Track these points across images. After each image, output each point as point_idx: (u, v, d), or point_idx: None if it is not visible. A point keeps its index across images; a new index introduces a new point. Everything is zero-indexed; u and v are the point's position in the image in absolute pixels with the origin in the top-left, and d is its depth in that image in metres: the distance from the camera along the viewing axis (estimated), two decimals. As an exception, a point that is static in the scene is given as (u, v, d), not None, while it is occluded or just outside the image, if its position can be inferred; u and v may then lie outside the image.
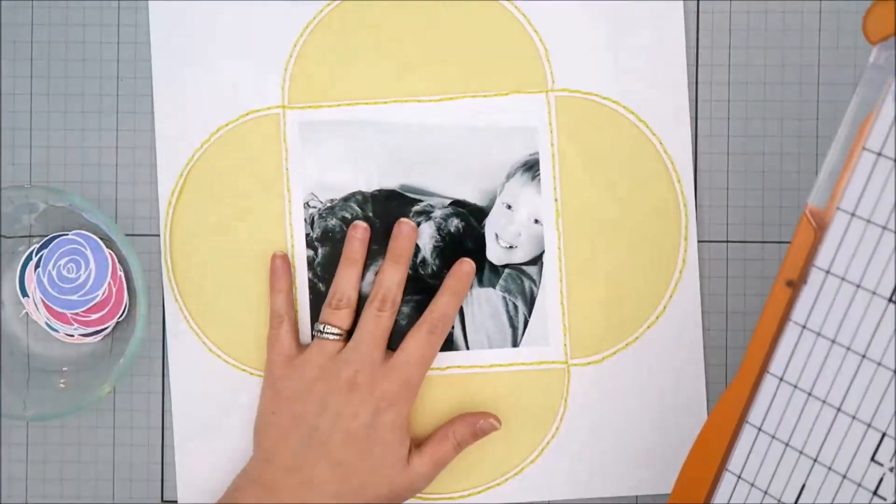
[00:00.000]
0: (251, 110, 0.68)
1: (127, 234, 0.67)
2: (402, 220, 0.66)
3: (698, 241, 0.67)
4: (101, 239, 0.65)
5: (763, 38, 0.67)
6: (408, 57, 0.67)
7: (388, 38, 0.68)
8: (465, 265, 0.66)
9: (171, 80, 0.68)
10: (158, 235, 0.68)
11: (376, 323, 0.64)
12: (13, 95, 0.68)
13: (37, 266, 0.65)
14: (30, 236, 0.67)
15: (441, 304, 0.65)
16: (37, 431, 0.68)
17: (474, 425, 0.65)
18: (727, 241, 0.67)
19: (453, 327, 0.67)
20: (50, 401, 0.65)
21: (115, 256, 0.66)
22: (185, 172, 0.67)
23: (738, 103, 0.67)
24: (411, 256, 0.66)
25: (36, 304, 0.66)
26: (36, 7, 0.68)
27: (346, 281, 0.65)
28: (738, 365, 0.67)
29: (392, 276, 0.65)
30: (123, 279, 0.66)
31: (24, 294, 0.66)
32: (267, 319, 0.66)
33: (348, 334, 0.65)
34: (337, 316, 0.64)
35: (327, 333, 0.64)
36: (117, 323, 0.67)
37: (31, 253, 0.66)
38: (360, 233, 0.66)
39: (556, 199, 0.67)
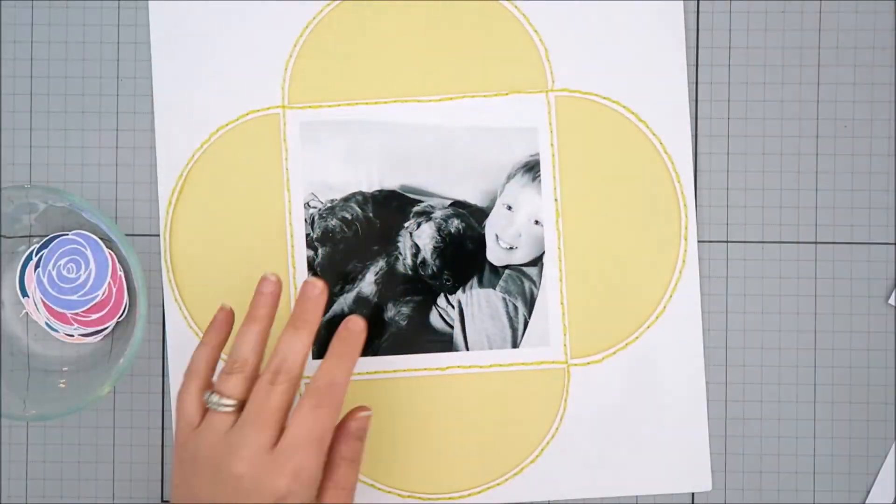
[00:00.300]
0: (251, 110, 0.68)
1: (127, 234, 0.67)
2: (309, 280, 0.57)
3: (698, 241, 0.67)
4: (101, 239, 0.65)
5: (763, 39, 0.67)
6: (408, 57, 0.67)
7: (388, 38, 0.68)
8: (352, 324, 0.57)
9: (171, 79, 0.68)
10: (158, 235, 0.68)
11: (266, 399, 0.54)
12: (13, 95, 0.68)
13: (37, 266, 0.65)
14: (30, 236, 0.67)
15: (324, 371, 0.55)
16: (37, 431, 0.68)
17: (350, 433, 0.58)
18: (727, 241, 0.67)
19: (453, 328, 0.67)
20: (50, 401, 0.65)
21: (115, 256, 0.66)
22: (184, 172, 0.67)
23: (738, 103, 0.67)
24: (319, 321, 0.57)
25: (36, 304, 0.66)
26: (36, 7, 0.68)
27: (245, 342, 0.56)
28: (738, 365, 0.67)
29: (291, 344, 0.55)
30: (123, 279, 0.66)
31: (24, 294, 0.66)
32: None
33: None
34: (230, 383, 0.55)
35: (217, 404, 0.55)
36: (117, 323, 0.67)
37: (31, 253, 0.66)
38: (268, 287, 0.57)
39: (556, 200, 0.67)
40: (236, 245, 0.67)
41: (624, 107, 0.67)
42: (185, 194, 0.67)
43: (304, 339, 0.56)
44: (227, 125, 0.68)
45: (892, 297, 0.67)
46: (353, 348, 0.57)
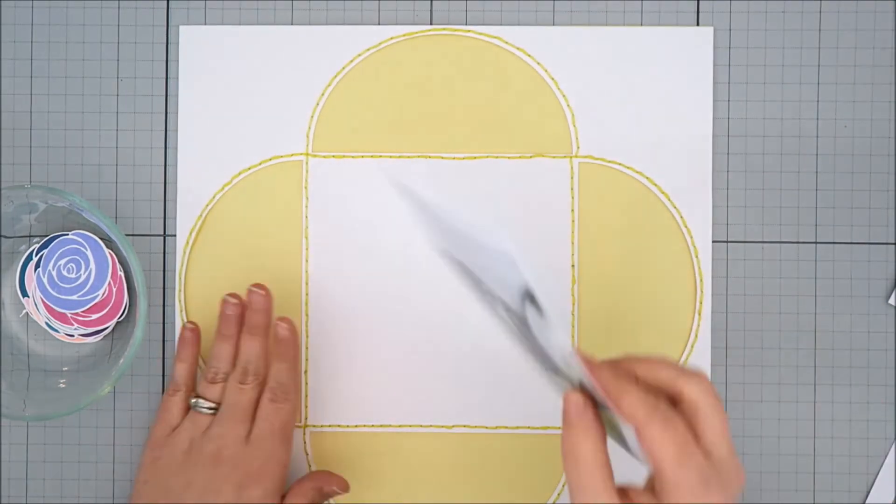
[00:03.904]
0: (275, 155, 0.67)
1: (127, 234, 0.67)
2: (252, 289, 0.65)
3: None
4: (101, 239, 0.65)
5: (763, 39, 0.67)
6: (435, 112, 0.67)
7: (416, 93, 0.67)
8: (280, 329, 0.64)
9: (197, 118, 0.67)
10: (159, 236, 0.68)
11: (238, 396, 0.62)
12: (13, 95, 0.68)
13: (37, 266, 0.65)
14: (30, 236, 0.67)
15: (273, 373, 0.64)
16: (37, 431, 0.68)
17: (321, 487, 0.64)
18: (727, 242, 0.67)
19: None
20: (50, 401, 0.65)
21: (115, 256, 0.66)
22: (204, 213, 0.67)
23: (738, 103, 0.67)
24: (269, 322, 0.64)
25: (36, 304, 0.66)
26: (36, 7, 0.68)
27: (220, 358, 0.64)
28: (738, 365, 0.67)
29: (250, 349, 0.64)
30: (123, 279, 0.66)
31: (24, 294, 0.66)
32: None
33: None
34: (211, 390, 0.63)
35: (201, 407, 0.63)
36: (117, 323, 0.67)
37: (31, 253, 0.66)
38: (230, 309, 0.65)
39: (573, 266, 0.67)
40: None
41: (646, 177, 0.67)
42: (203, 234, 0.67)
43: (260, 342, 0.64)
44: (249, 168, 0.67)
45: (892, 297, 0.67)
46: (290, 349, 0.64)
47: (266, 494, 0.61)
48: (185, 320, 0.67)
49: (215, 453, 0.61)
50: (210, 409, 0.63)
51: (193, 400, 0.63)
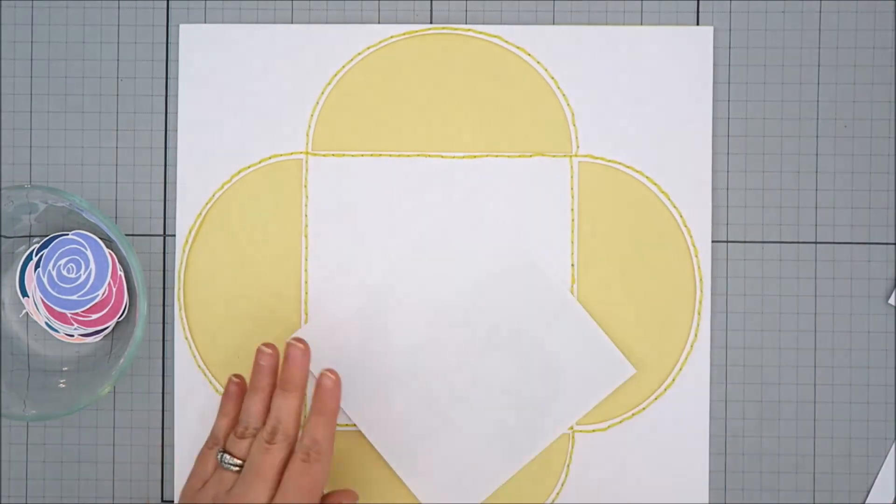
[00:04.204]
0: (275, 154, 0.67)
1: (127, 234, 0.67)
2: (292, 343, 0.62)
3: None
4: (101, 239, 0.65)
5: (763, 38, 0.67)
6: (434, 111, 0.67)
7: (416, 92, 0.67)
8: (325, 379, 0.61)
9: (197, 117, 0.67)
10: (159, 236, 0.68)
11: (263, 457, 0.59)
12: (13, 95, 0.68)
13: (37, 266, 0.65)
14: (30, 236, 0.67)
15: (308, 429, 0.61)
16: (37, 431, 0.68)
17: None
18: (727, 242, 0.67)
19: None
20: (50, 401, 0.65)
21: (115, 256, 0.66)
22: (203, 212, 0.67)
23: (738, 103, 0.67)
24: (306, 380, 0.62)
25: (36, 304, 0.66)
26: (36, 7, 0.68)
27: (251, 412, 0.61)
28: (738, 365, 0.67)
29: (283, 407, 0.60)
30: (123, 279, 0.66)
31: (24, 294, 0.66)
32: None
33: None
34: (239, 446, 0.60)
35: (227, 463, 0.60)
36: (117, 323, 0.67)
37: (31, 253, 0.66)
38: (265, 360, 0.62)
39: (572, 265, 0.67)
40: (251, 287, 0.67)
41: (646, 177, 0.67)
42: (203, 234, 0.67)
43: (294, 400, 0.61)
44: (249, 167, 0.67)
45: (892, 297, 0.67)
46: (331, 403, 0.61)
47: None
48: (187, 329, 0.67)
49: None
50: (236, 466, 0.60)
51: (220, 455, 0.61)
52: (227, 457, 0.60)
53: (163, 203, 0.68)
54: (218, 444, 0.62)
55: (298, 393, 0.61)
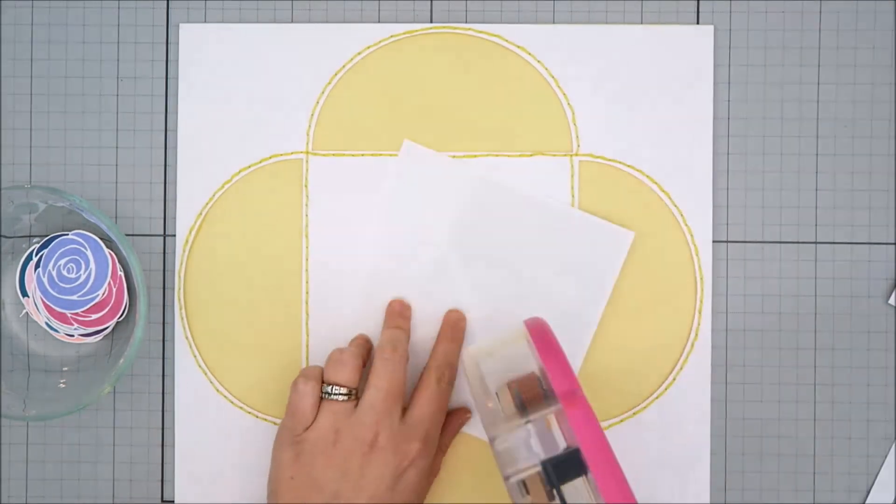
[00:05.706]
0: (275, 154, 0.67)
1: (127, 234, 0.67)
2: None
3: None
4: (101, 239, 0.65)
5: (763, 38, 0.67)
6: (434, 111, 0.67)
7: (416, 91, 0.67)
8: (454, 314, 0.66)
9: (197, 117, 0.67)
10: (159, 236, 0.68)
11: (392, 375, 0.61)
12: (13, 95, 0.68)
13: (37, 266, 0.65)
14: (30, 236, 0.67)
15: (441, 353, 0.64)
16: (37, 431, 0.68)
17: (452, 429, 0.66)
18: (727, 241, 0.67)
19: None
20: (50, 401, 0.65)
21: (115, 256, 0.66)
22: (203, 211, 0.67)
23: (737, 103, 0.67)
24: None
25: (36, 304, 0.66)
26: (36, 7, 0.68)
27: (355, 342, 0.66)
28: (738, 365, 0.67)
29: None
30: (123, 279, 0.66)
31: (24, 294, 0.66)
32: (278, 367, 0.66)
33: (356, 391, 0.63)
34: (341, 373, 0.62)
35: (336, 394, 0.61)
36: (117, 323, 0.67)
37: (31, 253, 0.66)
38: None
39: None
40: (252, 288, 0.67)
41: (647, 176, 0.67)
42: (203, 234, 0.67)
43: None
44: (249, 167, 0.67)
45: (892, 297, 0.67)
46: (460, 333, 0.66)
47: (419, 473, 0.61)
48: (188, 329, 0.67)
49: (372, 440, 0.60)
50: (344, 394, 0.61)
51: (328, 387, 0.61)
52: (335, 387, 0.61)
53: (163, 203, 0.68)
54: (313, 380, 0.62)
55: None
